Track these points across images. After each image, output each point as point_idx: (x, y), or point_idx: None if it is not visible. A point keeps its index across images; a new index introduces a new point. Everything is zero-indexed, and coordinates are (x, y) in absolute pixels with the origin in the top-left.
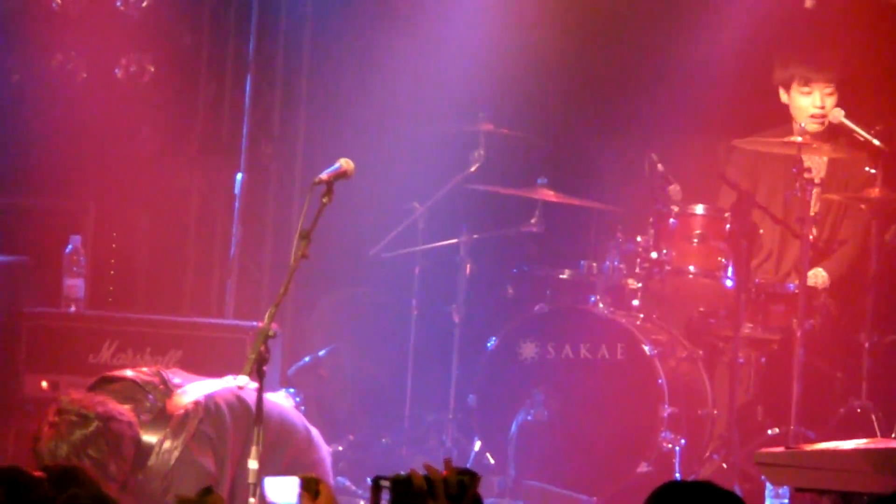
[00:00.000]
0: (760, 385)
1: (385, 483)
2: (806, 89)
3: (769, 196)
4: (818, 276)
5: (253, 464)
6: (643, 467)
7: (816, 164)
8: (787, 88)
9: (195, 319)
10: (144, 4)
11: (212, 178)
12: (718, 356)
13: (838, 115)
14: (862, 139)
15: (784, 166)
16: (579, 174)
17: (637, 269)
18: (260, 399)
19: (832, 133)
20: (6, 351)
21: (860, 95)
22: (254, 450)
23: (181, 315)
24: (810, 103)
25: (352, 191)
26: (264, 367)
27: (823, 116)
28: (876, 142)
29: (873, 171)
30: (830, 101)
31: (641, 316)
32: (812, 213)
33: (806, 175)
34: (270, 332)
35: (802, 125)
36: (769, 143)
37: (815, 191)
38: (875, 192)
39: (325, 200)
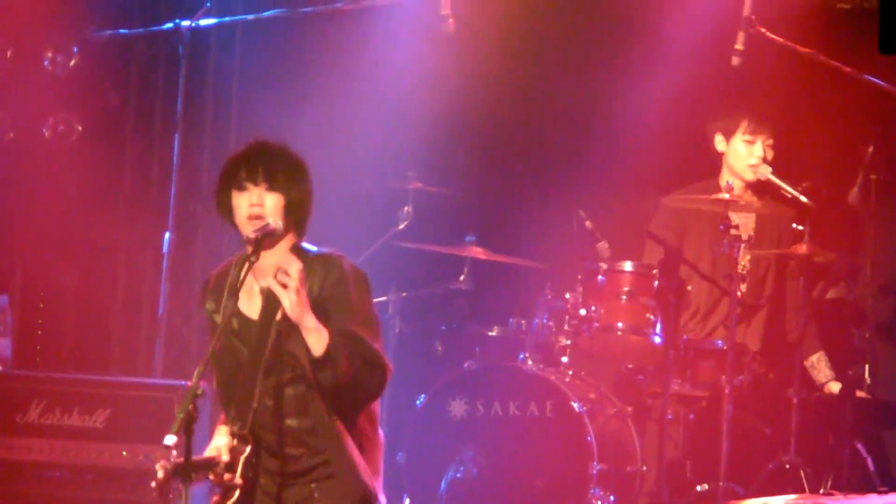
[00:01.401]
0: (689, 441)
1: None
2: (749, 138)
3: (698, 252)
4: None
5: None
6: None
7: (744, 220)
8: (729, 137)
9: (123, 379)
10: (72, 63)
11: (140, 236)
12: (647, 412)
13: (765, 172)
14: (789, 196)
15: (711, 223)
16: (508, 231)
17: (566, 326)
18: (188, 457)
19: (760, 189)
20: None
21: (790, 152)
22: None
23: (109, 374)
24: (750, 153)
25: None
26: (192, 426)
27: (757, 167)
28: (803, 198)
29: (801, 227)
30: (771, 154)
31: (570, 373)
32: (740, 270)
33: (733, 231)
34: (199, 392)
35: (729, 182)
36: (697, 201)
37: (743, 247)
38: (803, 248)
39: (252, 258)
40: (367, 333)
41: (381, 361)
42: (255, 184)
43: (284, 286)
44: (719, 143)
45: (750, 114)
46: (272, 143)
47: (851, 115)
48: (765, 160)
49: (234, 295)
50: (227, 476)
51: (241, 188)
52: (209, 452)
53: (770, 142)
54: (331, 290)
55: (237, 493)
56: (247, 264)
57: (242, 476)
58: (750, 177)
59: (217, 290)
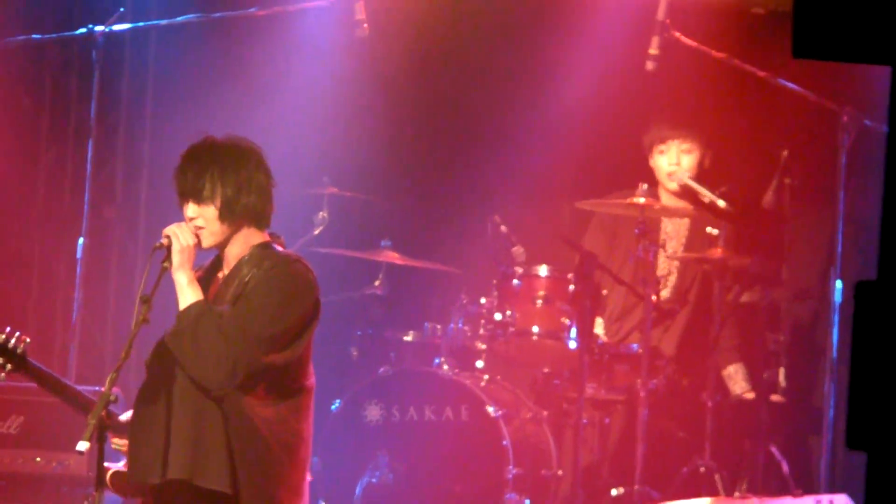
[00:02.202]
0: (605, 445)
1: None
2: (663, 147)
3: (623, 257)
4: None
5: None
6: None
7: (678, 226)
8: (651, 152)
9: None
10: None
11: (54, 242)
12: (563, 417)
13: (682, 177)
14: (707, 200)
15: (632, 228)
16: (423, 236)
17: (481, 331)
18: (101, 464)
19: (690, 196)
20: None
21: (715, 156)
22: None
23: (23, 380)
24: (667, 161)
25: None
26: (105, 433)
27: (675, 173)
28: (720, 202)
29: (715, 231)
30: (687, 159)
31: (486, 377)
32: (662, 274)
33: (663, 236)
34: (112, 398)
35: (645, 186)
36: (609, 205)
37: (668, 252)
38: (717, 252)
39: (165, 265)
40: (253, 325)
41: (236, 352)
42: (187, 201)
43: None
44: (650, 160)
45: (656, 123)
46: (197, 150)
47: (766, 119)
48: (678, 165)
49: (147, 301)
50: (77, 448)
51: (182, 202)
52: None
53: (685, 146)
54: (257, 283)
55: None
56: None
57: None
58: (671, 185)
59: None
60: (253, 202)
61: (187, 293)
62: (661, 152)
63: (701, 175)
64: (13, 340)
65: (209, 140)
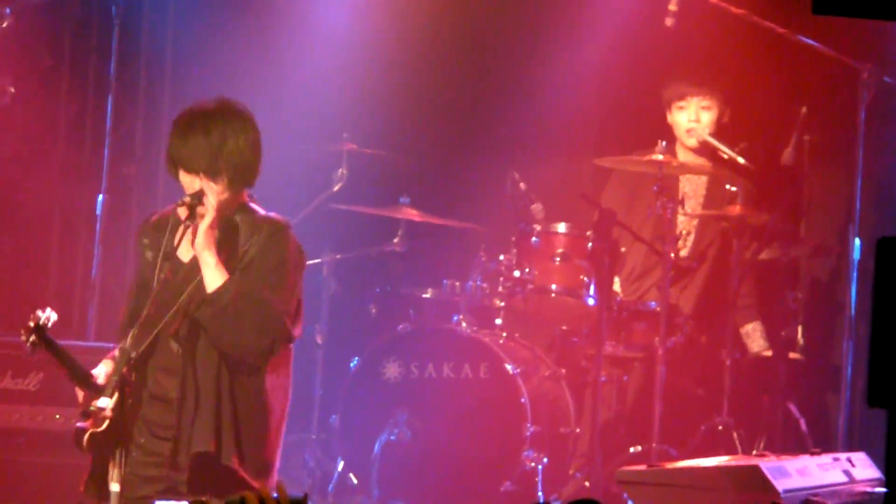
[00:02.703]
0: (623, 403)
1: None
2: (682, 104)
3: (642, 215)
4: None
5: (115, 486)
6: (506, 486)
7: (696, 183)
8: (669, 107)
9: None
10: (4, 25)
11: (73, 199)
12: (581, 375)
13: (702, 134)
14: (726, 157)
15: (651, 185)
16: (442, 193)
17: (500, 288)
18: (123, 421)
19: (709, 154)
20: None
21: (730, 114)
22: (115, 472)
23: None
24: (686, 117)
25: None
26: (127, 389)
27: (694, 129)
28: (740, 159)
29: (734, 188)
30: (707, 116)
31: (504, 335)
32: (682, 232)
33: (682, 193)
34: (132, 354)
35: (664, 143)
36: (629, 162)
37: (689, 209)
38: (736, 209)
39: (187, 222)
40: (277, 302)
41: (273, 328)
42: (188, 173)
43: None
44: (668, 117)
45: (675, 79)
46: (193, 123)
47: (786, 75)
48: (697, 122)
49: (169, 258)
50: (98, 404)
51: (181, 172)
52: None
53: (705, 103)
54: (262, 252)
55: (105, 423)
56: (183, 227)
57: (115, 408)
58: (690, 142)
59: (157, 230)
60: (247, 166)
61: (216, 273)
62: (681, 108)
63: (720, 132)
64: (42, 319)
65: (203, 108)
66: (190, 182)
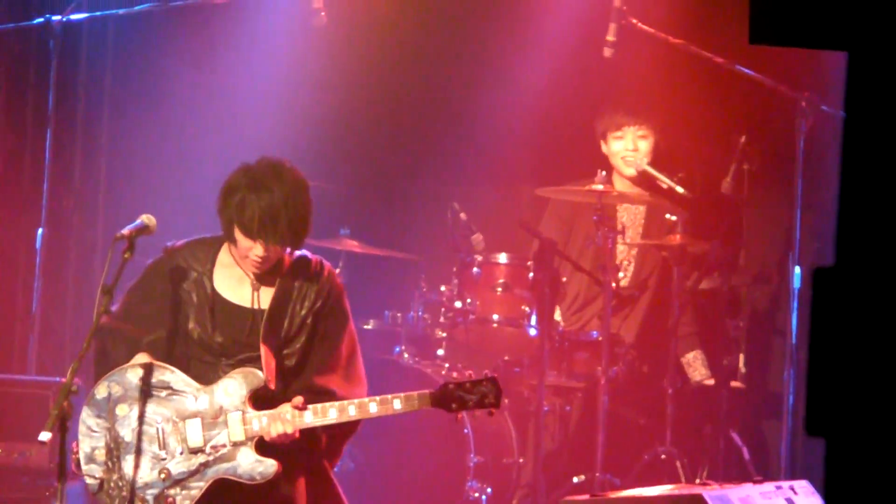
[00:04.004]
0: (566, 433)
1: None
2: (619, 133)
3: (582, 245)
4: None
5: None
6: None
7: (634, 213)
8: (605, 138)
9: None
10: None
11: (12, 232)
12: (524, 405)
13: (640, 163)
14: (665, 186)
15: (591, 215)
16: (382, 224)
17: (442, 319)
18: (63, 454)
19: (647, 184)
20: None
21: (668, 144)
22: None
23: None
24: (623, 147)
25: (153, 242)
26: (67, 423)
27: (631, 157)
28: (679, 189)
29: (674, 217)
30: (644, 144)
31: (447, 365)
32: (621, 261)
33: (621, 223)
34: (73, 388)
35: (603, 173)
36: (568, 192)
37: (629, 239)
38: (676, 238)
39: (126, 256)
40: (355, 381)
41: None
42: (265, 241)
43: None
44: (603, 147)
45: (612, 110)
46: (284, 204)
47: (724, 105)
48: (635, 151)
49: (108, 292)
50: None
51: (251, 238)
52: None
53: (642, 132)
54: (331, 308)
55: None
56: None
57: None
58: (627, 171)
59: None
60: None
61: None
62: (618, 138)
63: (657, 161)
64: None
65: (276, 179)
66: (255, 248)
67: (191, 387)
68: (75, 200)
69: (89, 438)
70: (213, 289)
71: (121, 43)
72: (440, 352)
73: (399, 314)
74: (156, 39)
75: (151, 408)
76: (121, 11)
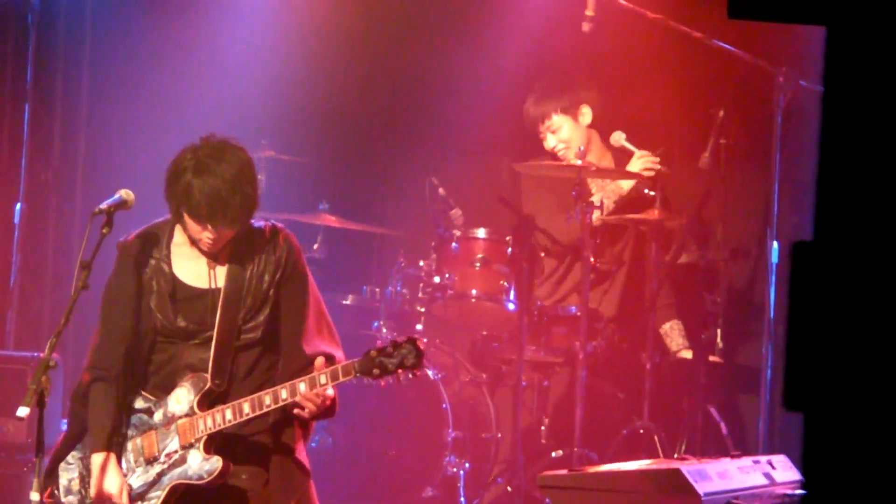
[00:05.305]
0: (544, 407)
1: None
2: (540, 133)
3: (552, 219)
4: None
5: (34, 496)
6: (428, 492)
7: (613, 188)
8: (539, 133)
9: None
10: None
11: None
12: (502, 379)
13: (619, 139)
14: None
15: (568, 190)
16: (361, 199)
17: (420, 294)
18: (41, 429)
19: (622, 158)
20: None
21: (643, 118)
22: (35, 481)
23: None
24: (551, 145)
25: (131, 217)
26: (45, 398)
27: (566, 149)
28: (658, 165)
29: (652, 193)
30: (567, 131)
31: (425, 340)
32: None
33: (592, 199)
34: (51, 363)
35: (581, 148)
36: (548, 167)
37: (597, 214)
38: (654, 213)
39: (104, 231)
40: (332, 337)
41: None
42: (214, 226)
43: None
44: (543, 140)
45: (525, 107)
46: (230, 187)
47: (702, 80)
48: (567, 144)
49: (87, 267)
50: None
51: (200, 223)
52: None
53: (551, 123)
54: (292, 271)
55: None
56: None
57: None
58: (572, 161)
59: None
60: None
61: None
62: (542, 138)
63: (634, 136)
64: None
65: (221, 161)
66: (205, 231)
67: (149, 402)
68: (53, 175)
69: (66, 472)
70: (171, 273)
71: (99, 17)
72: (419, 327)
73: (377, 289)
74: (135, 14)
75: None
76: None
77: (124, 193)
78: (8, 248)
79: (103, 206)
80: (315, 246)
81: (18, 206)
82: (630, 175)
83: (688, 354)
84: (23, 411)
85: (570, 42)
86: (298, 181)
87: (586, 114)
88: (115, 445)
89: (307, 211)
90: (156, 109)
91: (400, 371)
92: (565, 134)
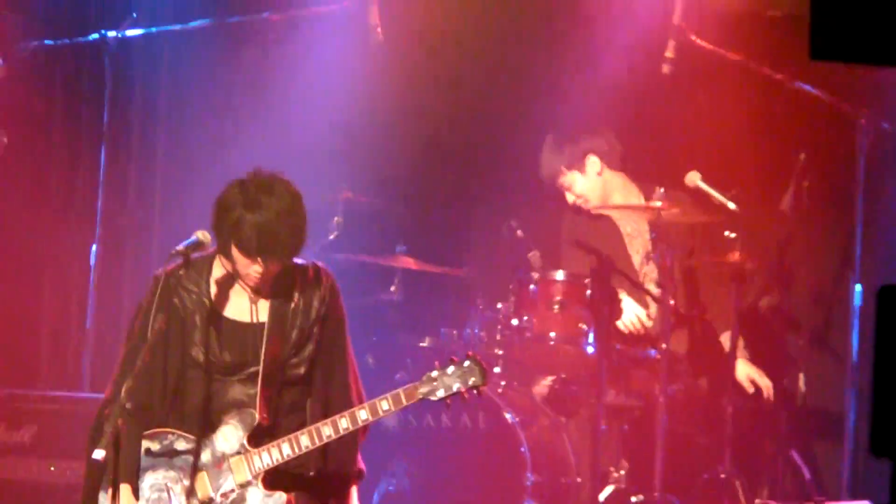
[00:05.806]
0: (624, 452)
1: None
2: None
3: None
4: None
5: None
6: None
7: (638, 225)
8: (558, 186)
9: (51, 393)
10: None
11: (67, 249)
12: (581, 423)
13: (694, 179)
14: (717, 203)
15: (643, 231)
16: (439, 241)
17: (498, 337)
18: (116, 473)
19: (693, 198)
20: None
21: (721, 160)
22: None
23: (37, 388)
24: (571, 199)
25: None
26: (121, 441)
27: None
28: (731, 205)
29: (733, 235)
30: (581, 184)
31: (503, 383)
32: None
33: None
34: (127, 405)
35: (661, 190)
36: (628, 209)
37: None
38: (735, 256)
39: (181, 273)
40: (355, 384)
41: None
42: (265, 260)
43: None
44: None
45: (547, 152)
46: (281, 221)
47: (783, 122)
48: (582, 198)
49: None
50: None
51: (249, 257)
52: None
53: (563, 179)
54: (332, 311)
55: None
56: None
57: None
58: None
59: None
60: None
61: None
62: (566, 188)
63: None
64: None
65: (270, 195)
66: (255, 267)
67: (191, 442)
68: (130, 216)
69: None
70: (213, 307)
71: (176, 59)
72: (497, 369)
73: (455, 332)
74: (211, 56)
75: (161, 473)
76: (176, 27)
77: (200, 235)
78: (84, 290)
79: (180, 247)
80: (392, 288)
81: (94, 247)
82: (711, 217)
83: (765, 384)
84: (99, 454)
85: (649, 84)
86: (376, 223)
87: (594, 163)
88: (132, 475)
89: (385, 253)
90: (232, 150)
91: (464, 391)
92: (578, 188)
